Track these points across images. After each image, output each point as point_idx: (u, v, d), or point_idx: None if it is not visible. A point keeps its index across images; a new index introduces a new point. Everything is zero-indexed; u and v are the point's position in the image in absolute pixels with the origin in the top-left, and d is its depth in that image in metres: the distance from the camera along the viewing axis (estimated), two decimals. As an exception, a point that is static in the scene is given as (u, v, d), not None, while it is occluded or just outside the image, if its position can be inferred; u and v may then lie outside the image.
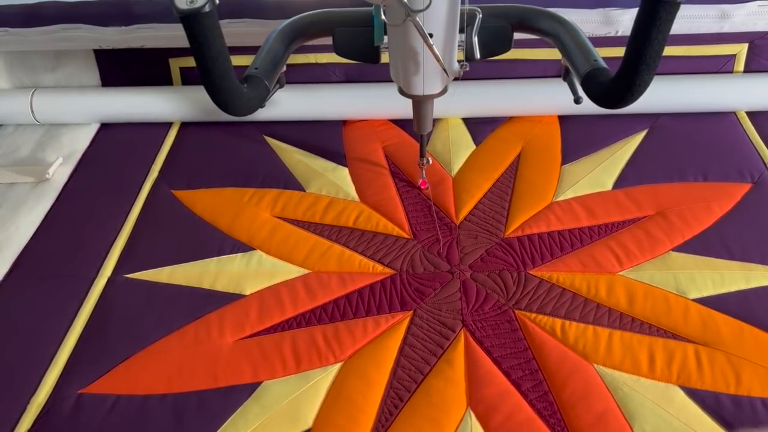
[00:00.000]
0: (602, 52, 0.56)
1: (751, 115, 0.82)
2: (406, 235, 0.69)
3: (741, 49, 0.83)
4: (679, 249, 0.65)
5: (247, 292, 0.64)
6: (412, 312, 0.61)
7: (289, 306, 0.62)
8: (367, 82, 0.86)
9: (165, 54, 0.87)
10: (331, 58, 0.85)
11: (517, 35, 0.59)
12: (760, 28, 0.78)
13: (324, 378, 0.56)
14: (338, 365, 0.57)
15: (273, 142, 0.82)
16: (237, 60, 0.54)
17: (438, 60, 0.49)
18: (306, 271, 0.66)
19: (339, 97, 0.84)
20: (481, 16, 0.55)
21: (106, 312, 0.63)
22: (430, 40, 0.48)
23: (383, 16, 0.48)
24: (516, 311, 0.61)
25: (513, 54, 0.63)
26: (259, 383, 0.56)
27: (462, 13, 0.53)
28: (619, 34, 0.77)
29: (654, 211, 0.70)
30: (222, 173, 0.78)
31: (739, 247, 0.65)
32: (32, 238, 0.71)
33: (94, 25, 0.79)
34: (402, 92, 0.58)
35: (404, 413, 0.54)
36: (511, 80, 0.84)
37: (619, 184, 0.73)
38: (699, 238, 0.66)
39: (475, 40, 0.56)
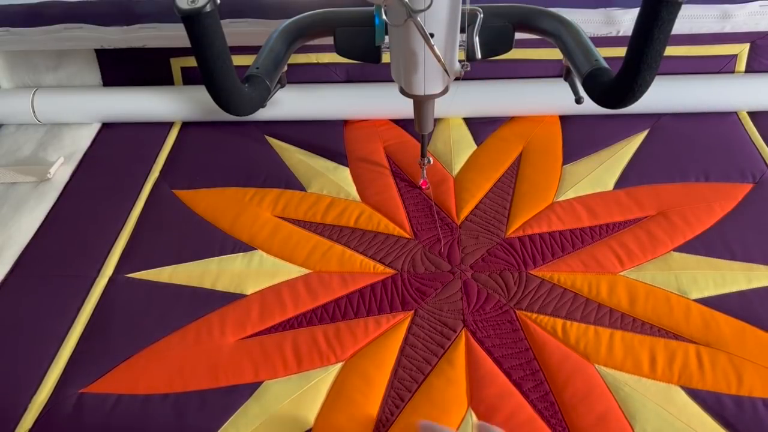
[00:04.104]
0: (603, 52, 0.56)
1: (753, 115, 0.82)
2: (407, 235, 0.69)
3: (742, 49, 0.83)
4: (681, 249, 0.65)
5: (249, 292, 0.64)
6: (413, 312, 0.61)
7: (290, 306, 0.62)
8: (368, 81, 0.86)
9: (166, 54, 0.87)
10: (333, 57, 0.85)
11: (518, 35, 0.59)
12: (762, 28, 0.78)
13: (325, 378, 0.56)
14: (339, 365, 0.57)
15: (274, 142, 0.82)
16: (238, 60, 0.54)
17: (439, 60, 0.49)
18: (307, 271, 0.66)
19: (340, 96, 0.84)
20: (482, 15, 0.55)
21: (107, 311, 0.63)
22: (431, 40, 0.48)
23: (384, 16, 0.48)
24: (517, 311, 0.61)
25: (514, 54, 0.63)
26: (260, 383, 0.56)
27: (463, 13, 0.53)
28: (621, 34, 0.77)
29: (655, 211, 0.70)
30: (223, 173, 0.78)
31: (740, 248, 0.65)
32: (34, 238, 0.71)
33: (96, 24, 0.79)
34: (403, 92, 0.58)
35: (405, 413, 0.54)
36: (513, 80, 0.84)
37: (620, 184, 0.73)
38: (700, 239, 0.66)
39: (477, 39, 0.56)
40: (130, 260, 0.68)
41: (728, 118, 0.82)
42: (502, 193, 0.73)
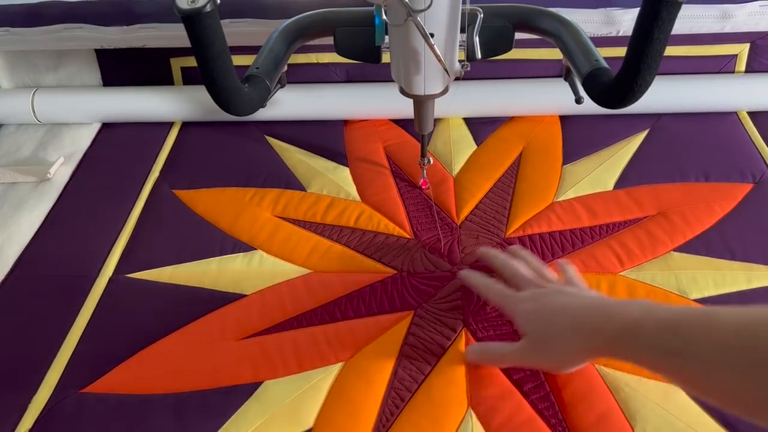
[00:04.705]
0: (603, 52, 0.56)
1: (753, 115, 0.82)
2: (407, 235, 0.69)
3: (742, 49, 0.83)
4: (681, 249, 0.65)
5: (249, 292, 0.64)
6: (413, 312, 0.61)
7: (290, 306, 0.62)
8: (368, 81, 0.86)
9: (166, 54, 0.87)
10: (333, 57, 0.85)
11: (518, 35, 0.59)
12: (762, 28, 0.78)
13: (325, 378, 0.56)
14: (339, 365, 0.57)
15: (274, 142, 0.82)
16: (238, 60, 0.54)
17: (439, 60, 0.49)
18: (307, 271, 0.66)
19: (340, 96, 0.84)
20: (482, 15, 0.55)
21: (107, 311, 0.63)
22: (431, 40, 0.48)
23: (384, 16, 0.48)
24: (517, 311, 0.61)
25: (514, 54, 0.63)
26: (260, 383, 0.56)
27: (463, 13, 0.53)
28: (621, 34, 0.77)
29: (655, 211, 0.70)
30: (223, 173, 0.78)
31: (740, 247, 0.65)
32: (33, 238, 0.71)
33: (96, 24, 0.79)
34: (403, 92, 0.58)
35: (405, 413, 0.54)
36: (513, 80, 0.84)
37: (620, 184, 0.73)
38: (700, 238, 0.66)
39: (477, 39, 0.56)
40: (130, 260, 0.68)
41: (728, 118, 0.82)
42: (502, 193, 0.73)
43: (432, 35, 0.48)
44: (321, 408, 0.54)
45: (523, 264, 0.58)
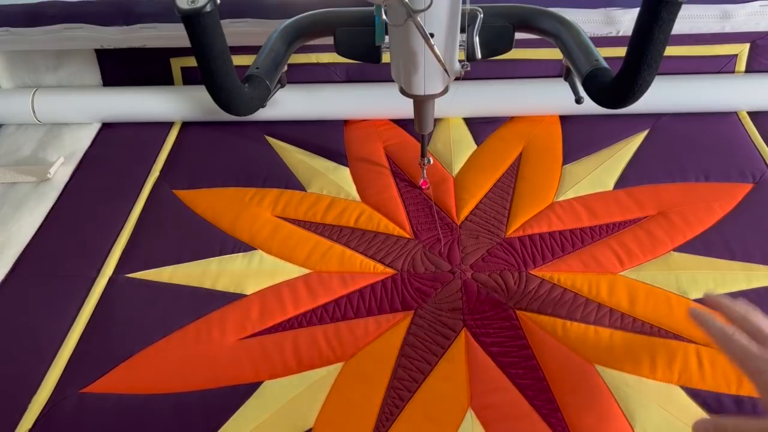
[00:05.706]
0: (603, 52, 0.56)
1: (753, 115, 0.82)
2: (407, 235, 0.69)
3: (742, 49, 0.83)
4: (681, 249, 0.65)
5: (249, 292, 0.64)
6: (413, 312, 0.61)
7: (290, 306, 0.62)
8: (368, 81, 0.86)
9: (166, 54, 0.87)
10: (333, 58, 0.85)
11: (518, 35, 0.59)
12: (762, 28, 0.78)
13: (325, 378, 0.56)
14: (339, 365, 0.57)
15: (274, 142, 0.82)
16: (238, 60, 0.54)
17: (439, 60, 0.49)
18: (307, 271, 0.66)
19: (340, 97, 0.84)
20: (482, 15, 0.55)
21: (107, 311, 0.63)
22: (431, 40, 0.48)
23: (384, 16, 0.48)
24: (517, 311, 0.61)
25: (514, 54, 0.63)
26: (260, 383, 0.56)
27: (463, 13, 0.53)
28: (621, 34, 0.77)
29: (655, 211, 0.70)
30: (223, 173, 0.78)
31: (740, 247, 0.65)
32: (33, 238, 0.71)
33: (96, 24, 0.79)
34: (403, 92, 0.58)
35: (405, 413, 0.54)
36: (513, 80, 0.84)
37: (620, 184, 0.73)
38: (700, 238, 0.66)
39: (477, 39, 0.56)
40: (130, 260, 0.68)
41: (728, 118, 0.82)
42: (502, 193, 0.73)
43: (432, 35, 0.48)
44: (321, 408, 0.54)
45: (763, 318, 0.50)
